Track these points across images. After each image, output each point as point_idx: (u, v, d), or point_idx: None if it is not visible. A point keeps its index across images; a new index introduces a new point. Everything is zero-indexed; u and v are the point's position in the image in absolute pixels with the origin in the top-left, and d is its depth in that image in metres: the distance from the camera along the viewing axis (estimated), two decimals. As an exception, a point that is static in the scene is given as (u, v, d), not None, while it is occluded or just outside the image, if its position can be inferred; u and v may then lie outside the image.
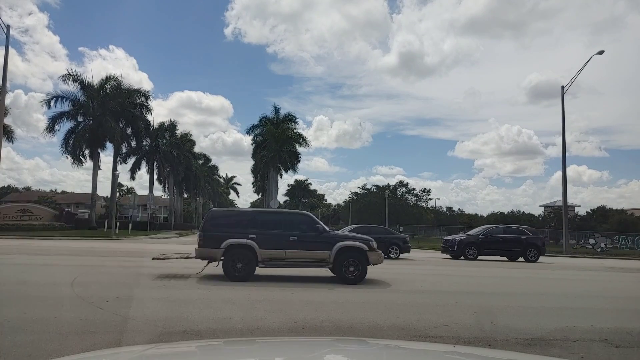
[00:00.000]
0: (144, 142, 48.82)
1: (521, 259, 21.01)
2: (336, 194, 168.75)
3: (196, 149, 68.66)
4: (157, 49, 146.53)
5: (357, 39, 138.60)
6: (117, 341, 4.80)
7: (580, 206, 74.13)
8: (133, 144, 45.47)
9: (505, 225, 24.93)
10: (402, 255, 19.01)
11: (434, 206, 73.96)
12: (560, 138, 33.27)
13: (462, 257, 20.41)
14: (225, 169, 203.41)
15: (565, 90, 32.58)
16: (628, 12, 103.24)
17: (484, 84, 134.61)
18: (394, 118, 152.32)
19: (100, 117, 39.01)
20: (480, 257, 20.78)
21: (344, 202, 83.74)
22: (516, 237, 21.49)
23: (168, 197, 63.06)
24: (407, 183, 68.62)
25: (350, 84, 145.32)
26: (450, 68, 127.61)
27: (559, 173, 34.19)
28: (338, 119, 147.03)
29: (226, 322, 6.03)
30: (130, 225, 38.55)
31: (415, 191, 67.42)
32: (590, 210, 69.18)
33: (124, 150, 45.28)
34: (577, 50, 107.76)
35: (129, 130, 43.10)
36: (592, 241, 37.34)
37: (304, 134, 50.43)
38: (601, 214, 64.20)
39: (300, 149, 48.86)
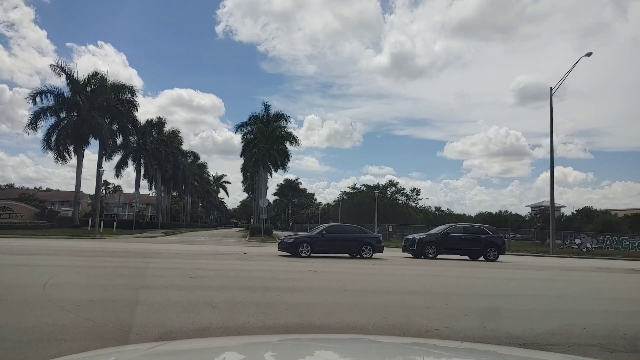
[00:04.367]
0: (131, 139, 48.03)
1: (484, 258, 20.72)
2: (326, 194, 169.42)
3: (186, 147, 68.12)
4: (147, 46, 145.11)
5: (349, 39, 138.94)
6: (85, 350, 4.45)
7: (565, 207, 75.07)
8: (119, 140, 44.78)
9: (466, 224, 24.71)
10: (375, 255, 18.71)
11: (423, 206, 74.15)
12: (547, 140, 33.44)
13: (422, 256, 20.13)
14: (215, 168, 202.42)
15: (553, 92, 32.72)
16: (615, 18, 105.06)
17: (473, 85, 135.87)
18: (384, 118, 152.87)
19: (85, 112, 38.24)
20: (440, 256, 20.37)
21: (334, 201, 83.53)
22: (476, 236, 21.18)
23: (155, 195, 62.26)
24: (397, 183, 68.74)
25: (340, 84, 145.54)
26: (441, 69, 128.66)
27: (545, 174, 34.36)
28: (329, 118, 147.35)
29: (206, 328, 5.70)
30: (114, 223, 37.86)
31: (404, 191, 67.55)
32: (576, 211, 69.91)
33: (110, 147, 44.59)
34: (564, 54, 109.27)
35: (114, 127, 42.40)
36: (578, 241, 37.53)
37: (294, 133, 50.14)
38: (586, 215, 64.88)
39: (291, 148, 48.62)
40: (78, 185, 39.98)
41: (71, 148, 39.71)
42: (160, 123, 55.52)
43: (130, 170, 53.18)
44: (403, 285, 10.77)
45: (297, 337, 3.77)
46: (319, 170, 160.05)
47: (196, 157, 76.92)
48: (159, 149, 52.02)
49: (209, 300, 7.58)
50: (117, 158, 48.33)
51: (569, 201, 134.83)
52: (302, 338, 2.72)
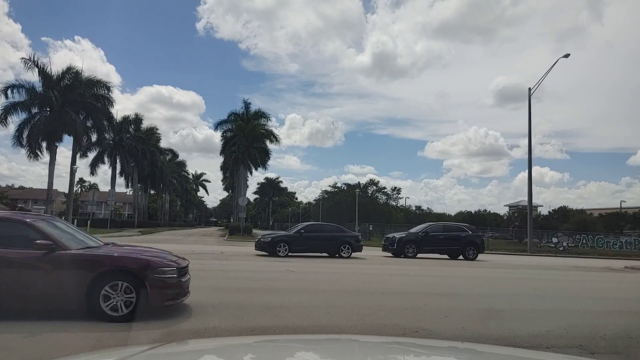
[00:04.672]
0: (107, 136, 46.81)
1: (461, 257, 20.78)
2: (307, 192, 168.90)
3: (166, 145, 67.01)
4: (126, 42, 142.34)
5: (331, 37, 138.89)
6: None
7: (542, 206, 76.22)
8: (94, 137, 43.61)
9: (445, 223, 24.73)
10: (354, 254, 18.49)
11: (404, 205, 74.54)
12: (525, 140, 33.83)
13: (402, 256, 20.04)
14: (195, 166, 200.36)
15: (532, 92, 33.09)
16: (591, 22, 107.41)
17: (453, 86, 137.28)
18: (366, 117, 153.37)
19: (59, 108, 37.06)
20: (420, 255, 20.30)
21: (315, 200, 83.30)
22: (455, 235, 21.20)
23: (132, 193, 61.02)
24: (378, 182, 68.83)
25: (322, 82, 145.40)
26: (422, 70, 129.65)
27: (523, 174, 34.83)
28: (310, 117, 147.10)
29: (172, 333, 5.36)
30: (88, 222, 36.86)
31: (385, 190, 67.70)
32: (552, 210, 71.14)
33: (84, 143, 43.39)
34: (542, 56, 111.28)
35: (89, 123, 41.24)
36: (555, 240, 38.07)
37: (275, 131, 49.73)
38: (562, 214, 66.00)
39: (271, 146, 48.18)
40: (50, 182, 38.76)
41: (44, 144, 38.46)
42: (137, 120, 54.34)
43: (107, 167, 51.93)
44: (382, 285, 10.57)
45: (275, 337, 3.71)
46: (301, 169, 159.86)
47: (175, 154, 75.65)
48: (135, 146, 50.85)
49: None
50: (92, 155, 47.16)
51: (546, 201, 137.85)
52: (280, 339, 2.67)
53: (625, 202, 62.86)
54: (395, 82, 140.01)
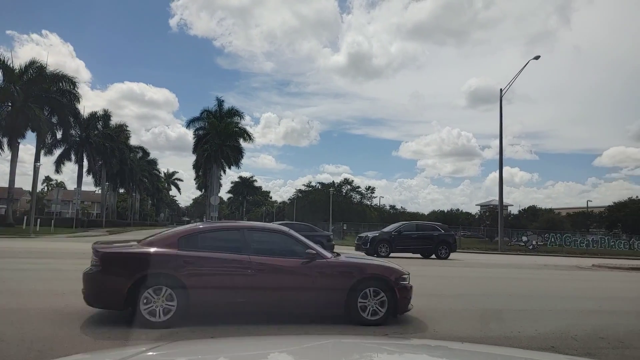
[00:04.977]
0: (73, 133, 45.21)
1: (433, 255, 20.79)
2: (282, 192, 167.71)
3: (137, 143, 65.18)
4: (96, 37, 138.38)
5: (307, 37, 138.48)
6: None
7: (512, 205, 77.77)
8: (60, 134, 42.09)
9: (418, 222, 24.66)
10: None
11: (378, 204, 74.86)
12: (496, 141, 34.31)
13: (375, 255, 19.86)
14: (168, 164, 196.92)
15: (503, 93, 33.57)
16: (559, 26, 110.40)
17: (427, 87, 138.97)
18: (341, 117, 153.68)
19: (21, 103, 35.51)
20: (393, 255, 20.09)
21: (289, 199, 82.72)
22: (428, 234, 21.15)
23: (101, 192, 59.23)
24: (352, 181, 68.80)
25: (297, 82, 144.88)
26: (397, 70, 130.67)
27: (494, 174, 35.29)
28: (286, 116, 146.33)
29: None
30: (52, 222, 35.46)
31: (359, 189, 67.76)
32: (522, 209, 72.74)
33: (49, 140, 41.81)
34: (513, 59, 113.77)
35: (54, 119, 39.75)
36: (524, 239, 38.81)
37: (249, 129, 49.15)
38: (532, 213, 67.55)
39: (245, 145, 47.61)
40: (12, 180, 37.22)
41: (5, 141, 36.86)
42: (106, 116, 52.65)
43: (74, 165, 50.10)
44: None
45: (275, 336, 3.85)
46: (276, 168, 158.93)
47: (146, 152, 73.86)
48: (103, 143, 49.23)
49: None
50: (58, 152, 45.47)
51: (516, 200, 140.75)
52: (279, 337, 2.77)
53: (591, 201, 64.92)
54: (371, 82, 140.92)
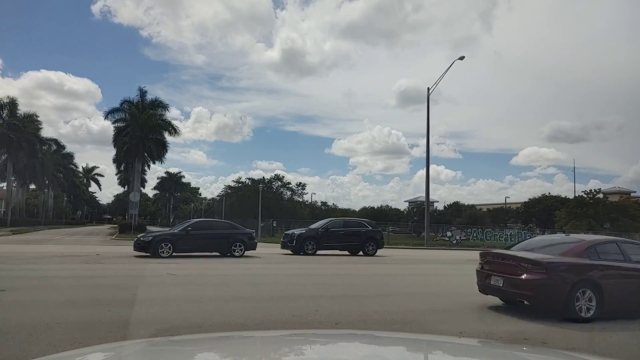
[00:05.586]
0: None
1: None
2: (214, 188, 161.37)
3: (55, 136, 59.60)
4: (7, 19, 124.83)
5: (240, 31, 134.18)
6: None
7: (438, 202, 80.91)
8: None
9: (346, 219, 24.07)
10: (248, 253, 17.22)
11: (310, 201, 74.58)
12: (424, 140, 35.14)
13: (302, 253, 19.29)
14: (89, 159, 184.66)
15: (430, 91, 34.41)
16: (482, 33, 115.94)
17: (360, 86, 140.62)
18: (275, 113, 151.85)
19: None
20: (320, 252, 19.67)
21: (219, 196, 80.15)
22: (356, 231, 20.85)
23: (6, 188, 53.60)
24: (283, 177, 67.81)
25: (230, 76, 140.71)
26: (330, 68, 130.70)
27: (422, 172, 36.12)
28: (218, 111, 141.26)
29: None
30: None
31: (290, 185, 66.97)
32: (447, 205, 75.95)
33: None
34: (440, 62, 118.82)
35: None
36: (449, 234, 40.15)
37: (180, 124, 46.63)
38: (456, 209, 70.73)
39: (172, 139, 45.05)
40: None
41: None
42: (12, 104, 47.59)
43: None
44: (272, 288, 9.49)
45: (274, 332, 3.69)
46: (207, 164, 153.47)
47: (60, 146, 67.89)
48: (8, 135, 44.52)
49: (3, 323, 5.55)
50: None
51: (441, 197, 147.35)
52: (277, 335, 2.67)
53: (509, 198, 68.82)
54: (304, 79, 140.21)
